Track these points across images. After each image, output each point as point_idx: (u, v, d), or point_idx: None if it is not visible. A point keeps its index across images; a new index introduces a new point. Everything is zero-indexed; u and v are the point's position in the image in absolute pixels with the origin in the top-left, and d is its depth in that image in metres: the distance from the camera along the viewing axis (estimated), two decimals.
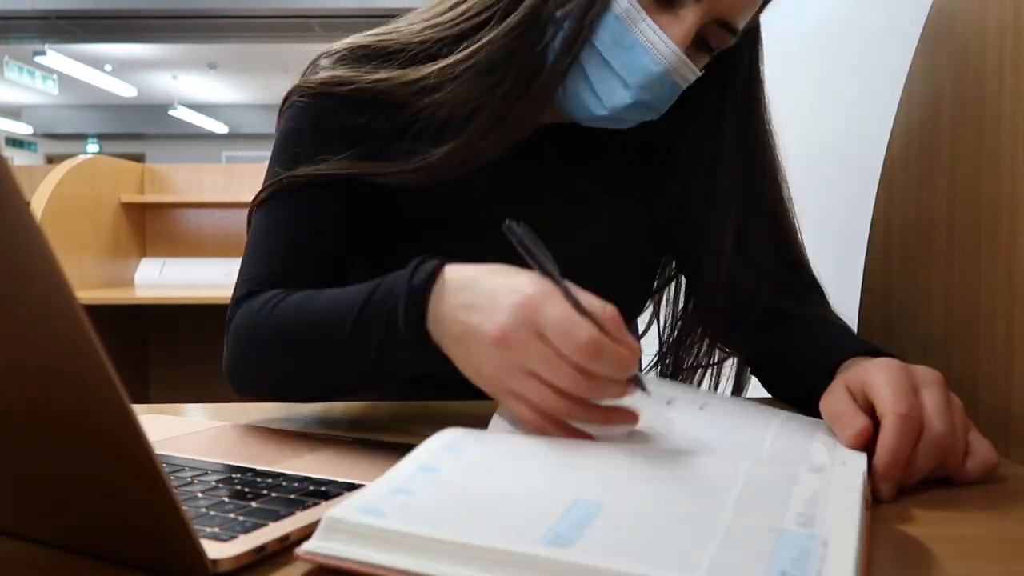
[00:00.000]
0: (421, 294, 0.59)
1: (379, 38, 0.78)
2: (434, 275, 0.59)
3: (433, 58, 0.75)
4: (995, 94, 0.66)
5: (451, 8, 0.77)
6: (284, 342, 0.68)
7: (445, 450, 0.49)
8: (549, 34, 0.72)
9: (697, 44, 0.73)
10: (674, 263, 0.93)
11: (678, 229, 0.86)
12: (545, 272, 0.53)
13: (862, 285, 0.90)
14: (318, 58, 0.80)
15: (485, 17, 0.75)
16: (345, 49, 0.79)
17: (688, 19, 0.70)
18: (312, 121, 0.76)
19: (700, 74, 0.74)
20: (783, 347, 0.78)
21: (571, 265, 0.80)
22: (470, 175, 0.75)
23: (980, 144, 0.68)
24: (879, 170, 0.87)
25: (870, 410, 0.58)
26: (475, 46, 0.74)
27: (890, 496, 0.51)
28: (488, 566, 0.36)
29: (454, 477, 0.46)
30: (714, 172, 0.80)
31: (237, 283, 0.76)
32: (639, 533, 0.39)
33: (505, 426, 0.57)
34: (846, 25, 1.31)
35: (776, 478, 0.45)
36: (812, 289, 0.83)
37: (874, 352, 0.67)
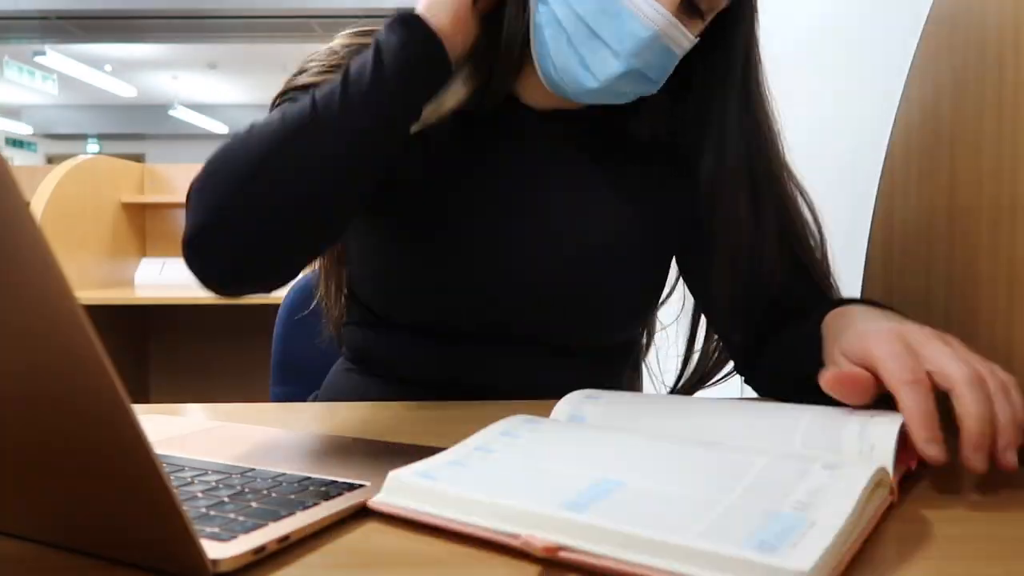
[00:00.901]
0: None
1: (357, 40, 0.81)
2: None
3: None
4: (995, 94, 0.66)
5: None
6: (279, 137, 0.65)
7: (502, 435, 0.55)
8: None
9: (689, 9, 0.71)
10: (680, 269, 0.91)
11: (688, 225, 0.85)
12: None
13: (862, 285, 0.90)
14: (308, 61, 0.82)
15: None
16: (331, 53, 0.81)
17: None
18: None
19: (696, 40, 0.72)
20: (776, 338, 0.78)
21: (580, 257, 0.80)
22: (472, 152, 0.76)
23: (980, 144, 0.68)
24: (879, 170, 0.87)
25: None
26: None
27: (984, 467, 0.50)
28: (514, 520, 0.42)
29: (503, 456, 0.51)
30: (722, 146, 0.78)
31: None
32: (647, 506, 0.43)
33: (564, 414, 0.63)
34: (846, 25, 1.31)
35: (787, 472, 0.47)
36: (820, 287, 0.81)
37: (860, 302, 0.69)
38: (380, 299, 0.83)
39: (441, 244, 0.79)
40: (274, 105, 0.78)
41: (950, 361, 0.53)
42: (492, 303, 0.80)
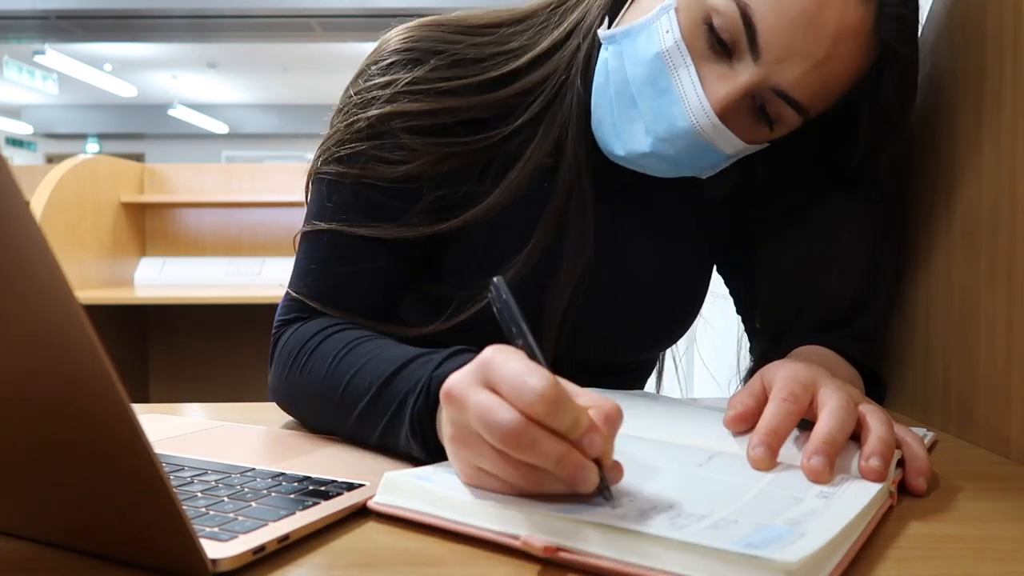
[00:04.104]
0: (433, 406, 0.54)
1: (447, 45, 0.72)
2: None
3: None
4: (995, 93, 0.66)
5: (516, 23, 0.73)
6: (309, 400, 0.67)
7: None
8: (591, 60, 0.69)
9: (757, 112, 0.65)
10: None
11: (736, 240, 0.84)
12: (518, 336, 0.46)
13: None
14: (369, 66, 0.72)
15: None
16: (409, 47, 0.72)
17: (740, 79, 0.62)
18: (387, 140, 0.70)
19: (747, 148, 0.67)
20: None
21: (630, 284, 0.79)
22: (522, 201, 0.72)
23: (980, 144, 0.68)
24: None
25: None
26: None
27: (821, 474, 0.49)
28: (513, 521, 0.42)
29: None
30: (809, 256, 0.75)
31: (286, 297, 0.74)
32: (641, 517, 0.42)
33: None
34: None
35: (783, 495, 0.47)
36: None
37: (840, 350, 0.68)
38: (420, 316, 0.78)
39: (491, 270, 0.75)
40: (330, 148, 0.72)
41: (833, 392, 0.54)
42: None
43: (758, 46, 0.61)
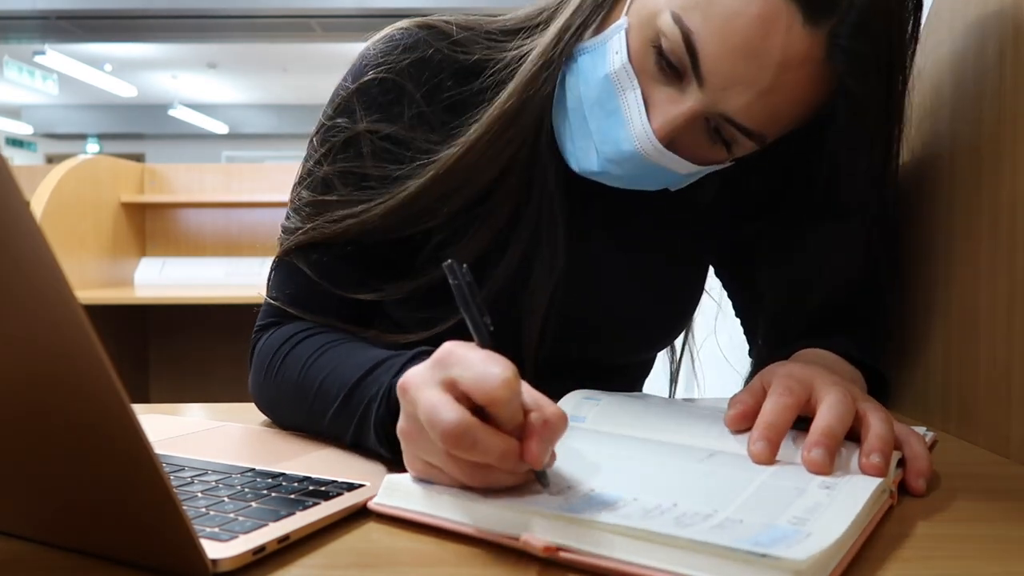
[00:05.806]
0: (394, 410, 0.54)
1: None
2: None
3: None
4: (995, 93, 0.66)
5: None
6: (285, 402, 0.69)
7: None
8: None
9: (712, 134, 0.63)
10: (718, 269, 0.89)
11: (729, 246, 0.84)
12: (474, 323, 0.47)
13: None
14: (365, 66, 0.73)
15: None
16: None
17: (685, 104, 0.61)
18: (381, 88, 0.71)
19: (706, 169, 0.66)
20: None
21: (622, 291, 0.78)
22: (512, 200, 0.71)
23: (980, 143, 0.68)
24: None
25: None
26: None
27: (822, 465, 0.50)
28: (513, 522, 0.43)
29: None
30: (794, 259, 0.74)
31: (264, 303, 0.75)
32: (645, 519, 0.42)
33: (568, 409, 0.62)
34: None
35: (785, 489, 0.47)
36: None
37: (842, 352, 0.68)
38: (416, 320, 0.77)
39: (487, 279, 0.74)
40: (321, 129, 0.74)
41: (830, 387, 0.54)
42: (515, 328, 0.74)
43: (701, 73, 0.59)
